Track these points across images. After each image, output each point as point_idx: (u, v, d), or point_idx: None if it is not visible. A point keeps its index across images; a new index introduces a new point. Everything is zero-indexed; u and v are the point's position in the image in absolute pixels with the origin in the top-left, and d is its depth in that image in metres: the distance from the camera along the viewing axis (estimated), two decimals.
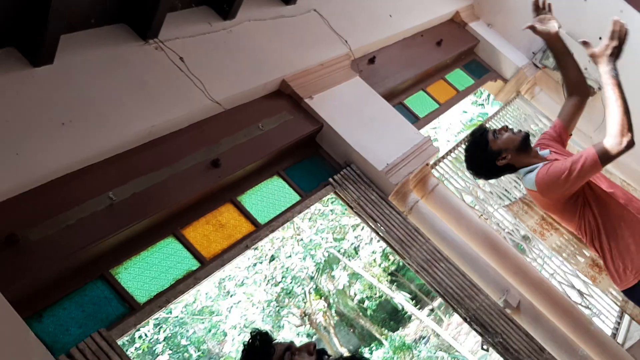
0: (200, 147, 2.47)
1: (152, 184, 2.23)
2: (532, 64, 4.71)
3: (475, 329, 2.65)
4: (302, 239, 11.31)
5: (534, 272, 3.09)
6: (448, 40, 4.38)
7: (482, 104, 12.25)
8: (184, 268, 2.20)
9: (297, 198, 2.74)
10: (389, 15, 3.98)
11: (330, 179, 2.82)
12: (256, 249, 11.48)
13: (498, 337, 2.63)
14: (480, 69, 4.64)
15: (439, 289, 2.70)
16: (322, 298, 16.87)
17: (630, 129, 2.22)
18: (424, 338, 16.34)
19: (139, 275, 2.09)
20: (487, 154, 2.56)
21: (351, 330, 25.13)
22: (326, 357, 1.39)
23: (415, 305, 15.14)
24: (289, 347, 1.37)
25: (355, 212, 2.81)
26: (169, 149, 2.38)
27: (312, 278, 13.63)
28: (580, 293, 3.53)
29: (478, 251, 3.00)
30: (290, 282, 11.66)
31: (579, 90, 2.69)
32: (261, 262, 11.43)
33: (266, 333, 1.41)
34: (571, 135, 2.71)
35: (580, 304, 3.40)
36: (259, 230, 2.48)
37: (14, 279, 1.76)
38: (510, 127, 2.67)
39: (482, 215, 3.27)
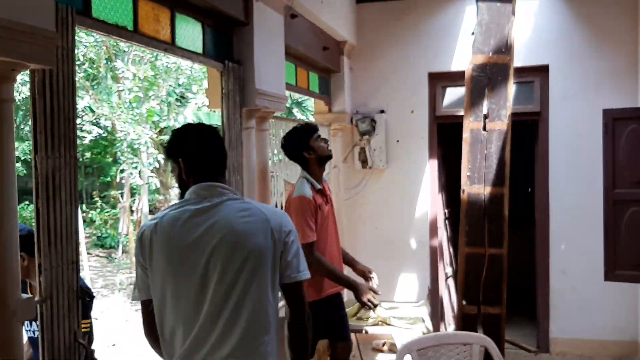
0: None
1: None
2: (351, 117, 5.82)
3: None
4: None
5: None
6: (329, 52, 5.25)
7: None
8: (124, 22, 2.51)
9: (200, 51, 3.19)
10: (321, 2, 4.70)
11: (226, 62, 3.34)
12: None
13: None
14: (325, 89, 5.59)
15: None
16: None
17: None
18: None
19: None
20: (303, 142, 3.58)
21: None
22: None
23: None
24: None
25: (222, 96, 3.35)
26: None
27: None
28: None
29: (256, 194, 3.75)
30: None
31: None
32: None
33: None
34: None
35: None
36: (174, 47, 2.88)
37: None
38: (329, 142, 3.70)
39: (272, 172, 4.06)
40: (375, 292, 3.67)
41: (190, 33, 3.09)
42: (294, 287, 1.99)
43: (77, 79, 9.86)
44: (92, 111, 11.75)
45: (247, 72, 3.52)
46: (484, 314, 5.00)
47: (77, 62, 10.62)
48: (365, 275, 3.87)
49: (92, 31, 2.31)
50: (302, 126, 3.77)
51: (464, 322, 5.08)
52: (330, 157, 3.73)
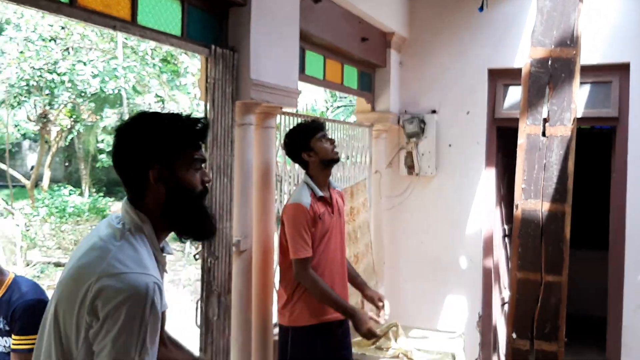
0: None
1: None
2: (398, 117, 5.22)
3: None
4: (109, 62, 10.60)
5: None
6: (370, 44, 4.68)
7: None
8: None
9: (178, 34, 2.75)
10: None
11: (213, 46, 2.89)
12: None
13: (213, 258, 2.91)
14: (368, 85, 5.02)
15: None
16: (71, 118, 15.90)
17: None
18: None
19: None
20: (303, 142, 3.20)
21: (66, 163, 24.06)
22: None
23: None
24: None
25: (206, 86, 2.90)
26: None
27: (82, 95, 12.81)
28: None
29: (254, 200, 3.27)
30: (65, 83, 10.75)
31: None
32: (49, 40, 10.34)
33: None
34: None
35: None
36: (132, 25, 2.46)
37: None
38: (336, 144, 3.25)
39: (277, 174, 3.57)
40: (376, 320, 3.10)
41: (163, 11, 2.65)
42: None
43: (144, 72, 9.78)
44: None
45: (242, 60, 3.04)
46: (537, 351, 4.28)
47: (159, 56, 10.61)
48: (375, 302, 3.31)
49: (3, 1, 1.93)
50: (303, 123, 3.32)
51: (514, 358, 4.38)
52: (335, 160, 3.24)
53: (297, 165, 3.61)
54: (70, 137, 17.11)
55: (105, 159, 17.67)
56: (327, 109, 13.96)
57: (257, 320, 3.32)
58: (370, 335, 3.00)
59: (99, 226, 1.53)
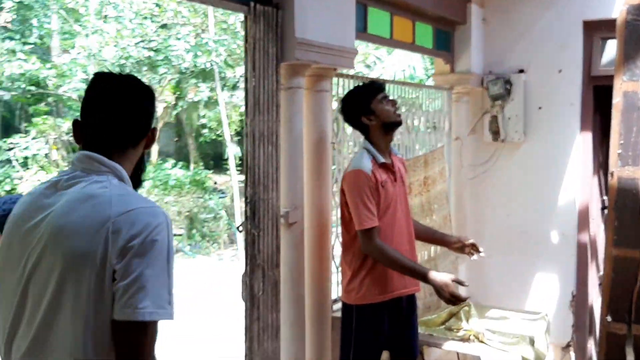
0: None
1: None
2: (481, 78, 4.78)
3: (246, 210, 2.76)
4: (201, 37, 10.75)
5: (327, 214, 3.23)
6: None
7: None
8: None
9: None
10: None
11: (252, 3, 2.69)
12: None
13: (256, 230, 2.76)
14: (445, 44, 4.63)
15: (249, 161, 2.75)
16: (174, 94, 16.43)
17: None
18: (221, 192, 16.79)
19: None
20: (363, 104, 2.93)
21: (175, 138, 25.10)
22: None
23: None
24: None
25: (246, 47, 2.72)
26: None
27: (183, 72, 13.13)
28: None
29: (305, 168, 3.07)
30: (162, 58, 11.05)
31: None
32: (146, 18, 10.63)
33: None
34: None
35: None
36: None
37: None
38: (398, 105, 2.96)
39: (334, 142, 3.34)
40: (460, 282, 2.76)
41: None
42: (122, 330, 1.25)
43: (234, 46, 9.79)
44: None
45: (287, 18, 2.81)
46: (636, 336, 3.82)
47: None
48: (465, 245, 3.06)
49: None
50: (362, 85, 3.06)
51: (609, 343, 3.94)
52: (398, 123, 2.97)
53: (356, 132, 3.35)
54: (174, 113, 17.73)
55: (207, 134, 18.20)
56: (428, 77, 13.45)
57: (311, 296, 3.14)
58: (455, 299, 2.68)
59: (42, 188, 1.42)
